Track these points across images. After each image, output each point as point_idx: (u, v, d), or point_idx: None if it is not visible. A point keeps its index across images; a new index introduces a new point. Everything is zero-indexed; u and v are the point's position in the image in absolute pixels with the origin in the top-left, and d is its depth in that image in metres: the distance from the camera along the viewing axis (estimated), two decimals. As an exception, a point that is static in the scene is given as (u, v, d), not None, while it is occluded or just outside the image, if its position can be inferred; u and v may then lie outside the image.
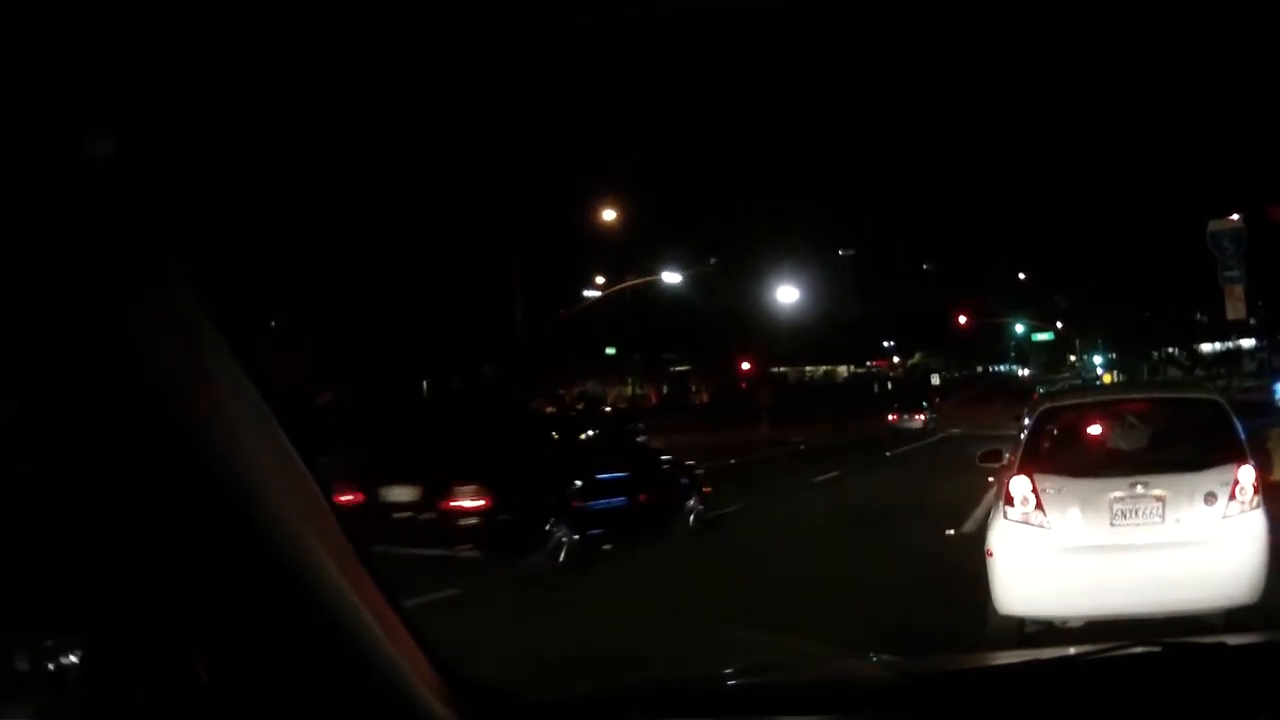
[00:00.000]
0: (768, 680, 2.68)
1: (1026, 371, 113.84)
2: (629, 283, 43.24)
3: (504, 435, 16.74)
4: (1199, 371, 59.52)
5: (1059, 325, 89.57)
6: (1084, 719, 2.22)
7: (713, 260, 76.37)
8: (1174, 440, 9.55)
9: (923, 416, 54.38)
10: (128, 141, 1.51)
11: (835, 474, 28.91)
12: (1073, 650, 2.66)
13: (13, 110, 1.39)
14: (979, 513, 15.72)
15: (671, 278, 68.37)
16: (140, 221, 1.56)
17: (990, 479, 14.11)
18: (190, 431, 1.56)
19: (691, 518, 17.27)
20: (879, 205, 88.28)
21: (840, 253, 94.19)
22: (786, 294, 76.01)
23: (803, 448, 39.14)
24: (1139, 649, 2.41)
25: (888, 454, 37.56)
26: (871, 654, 3.17)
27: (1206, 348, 66.40)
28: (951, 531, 15.82)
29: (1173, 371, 63.03)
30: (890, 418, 53.72)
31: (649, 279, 43.77)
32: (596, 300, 41.76)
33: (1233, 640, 2.55)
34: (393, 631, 1.85)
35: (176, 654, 1.62)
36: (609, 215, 41.10)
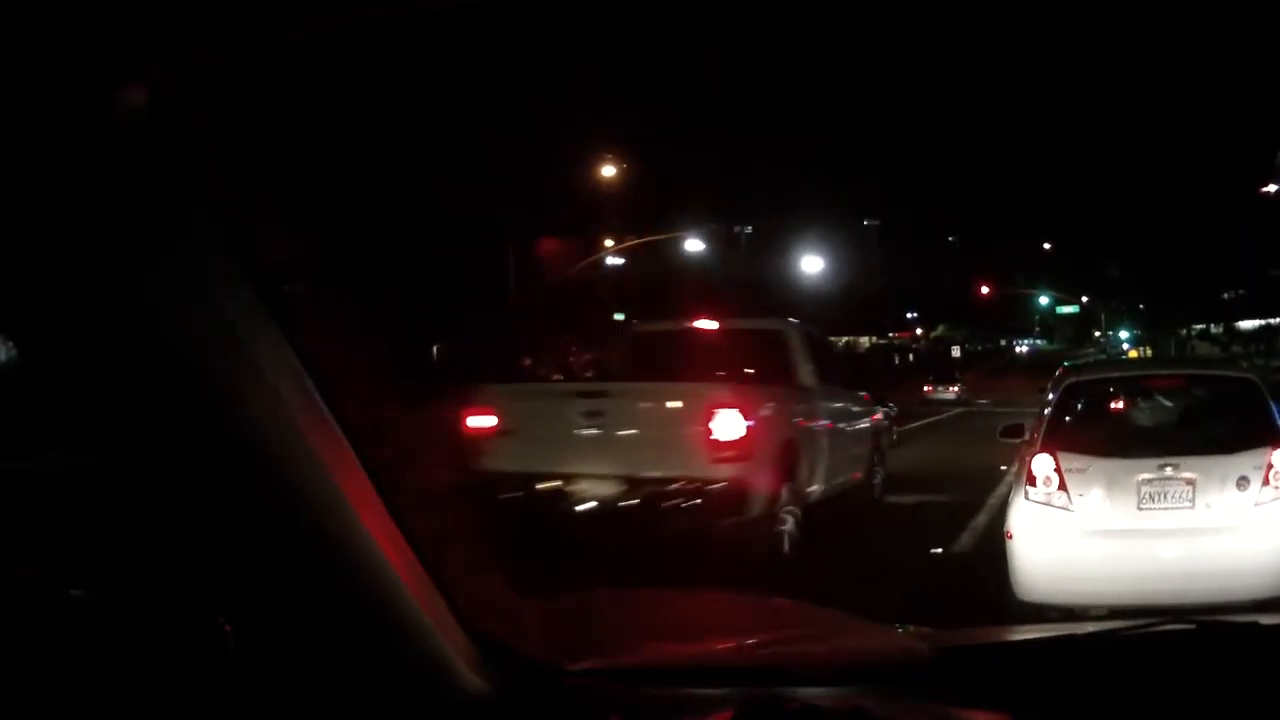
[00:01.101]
0: (795, 649, 2.65)
1: (1024, 348, 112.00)
2: (629, 242, 42.12)
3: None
4: (1236, 348, 57.96)
5: (1084, 300, 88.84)
6: (1116, 695, 2.18)
7: (748, 229, 76.12)
8: (1205, 420, 9.21)
9: (957, 388, 54.36)
10: (165, 95, 1.49)
11: None
12: (1106, 626, 2.64)
13: (48, 54, 1.36)
14: (981, 520, 13.05)
15: (694, 245, 68.32)
16: (172, 185, 1.53)
17: (1003, 468, 13.69)
18: (224, 392, 1.56)
19: (894, 437, 22.11)
20: (905, 176, 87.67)
21: (865, 223, 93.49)
22: (811, 264, 75.71)
23: None
24: (1172, 626, 2.39)
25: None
26: (898, 624, 3.16)
27: (1246, 324, 64.51)
28: (939, 550, 11.75)
29: (1203, 348, 61.36)
30: (925, 389, 53.24)
31: (642, 239, 42.55)
32: (593, 261, 40.57)
33: (1266, 620, 2.49)
34: (426, 596, 1.82)
35: (204, 620, 1.64)
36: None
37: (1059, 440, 8.70)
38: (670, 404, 11.10)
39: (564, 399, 11.59)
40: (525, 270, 40.35)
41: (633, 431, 10.99)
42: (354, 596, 1.72)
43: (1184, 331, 68.50)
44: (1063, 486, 8.36)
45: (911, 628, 3.01)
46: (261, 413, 1.59)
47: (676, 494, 10.52)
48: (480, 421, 11.16)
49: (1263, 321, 63.01)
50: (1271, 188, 48.21)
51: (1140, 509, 8.25)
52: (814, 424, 12.68)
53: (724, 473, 10.51)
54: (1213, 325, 67.48)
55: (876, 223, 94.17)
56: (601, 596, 3.40)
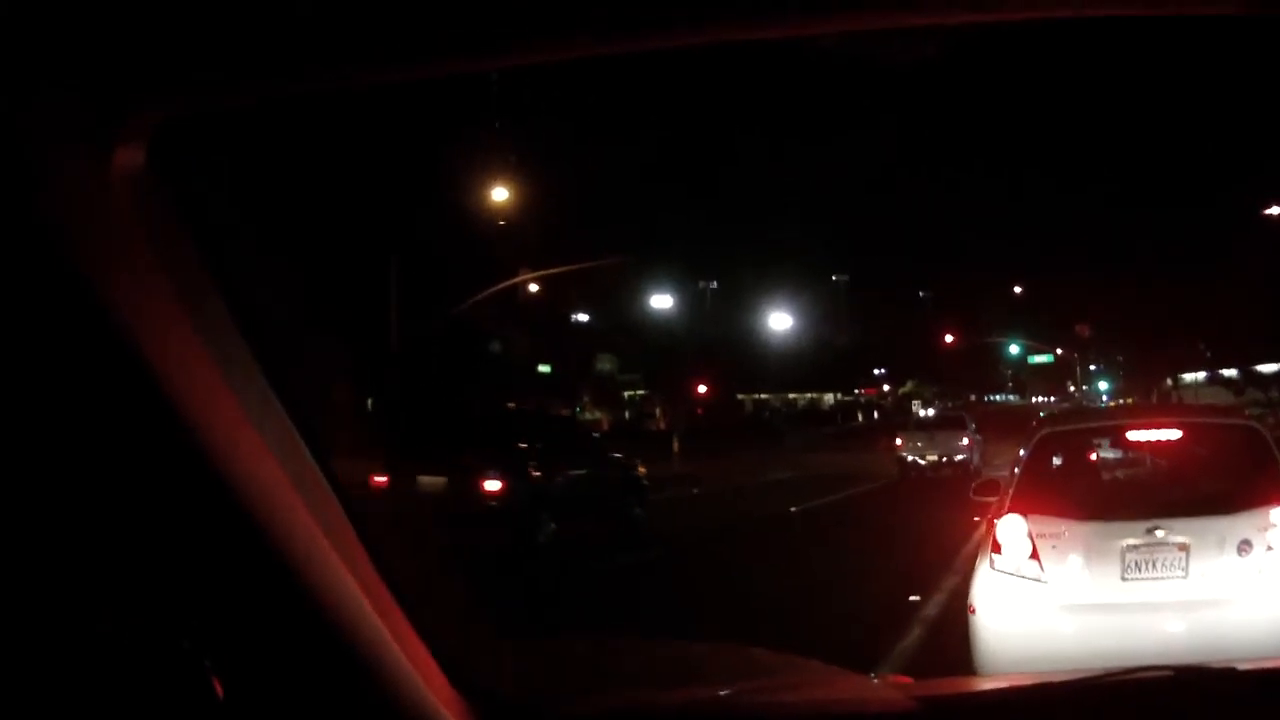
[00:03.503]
0: (772, 699, 2.68)
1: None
2: (524, 276, 40.18)
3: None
4: (1254, 393, 54.70)
5: (1058, 351, 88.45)
6: None
7: (714, 284, 75.77)
8: (1200, 475, 8.25)
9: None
10: (161, 146, 1.56)
11: (656, 555, 17.90)
12: (1084, 674, 2.51)
13: (39, 109, 1.44)
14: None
15: (661, 301, 68.00)
16: (170, 237, 1.60)
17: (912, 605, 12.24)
18: (210, 439, 1.58)
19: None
20: (875, 232, 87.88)
21: (834, 278, 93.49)
22: (779, 320, 75.49)
23: (696, 491, 30.24)
24: (1150, 673, 2.42)
25: (792, 509, 24.93)
26: (872, 674, 3.48)
27: (1267, 368, 59.87)
28: None
29: (1207, 394, 57.44)
30: (899, 442, 46.31)
31: (543, 272, 40.87)
32: (482, 299, 38.35)
33: (1243, 666, 2.50)
34: (407, 643, 1.84)
35: (192, 668, 1.64)
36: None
37: (1031, 500, 7.76)
38: (952, 434, 36.28)
39: (920, 434, 37.27)
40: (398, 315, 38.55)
41: (939, 441, 35.72)
42: (335, 643, 1.71)
43: (1169, 380, 66.45)
44: (1034, 554, 7.46)
45: (889, 677, 3.29)
46: (249, 460, 1.62)
47: (949, 460, 34.50)
48: (900, 440, 37.32)
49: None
50: (1276, 210, 46.50)
51: (1125, 579, 7.36)
52: (975, 438, 36.18)
53: (962, 454, 34.53)
54: (1224, 369, 64.20)
55: (845, 278, 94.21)
56: (582, 644, 3.52)
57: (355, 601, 1.74)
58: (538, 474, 17.80)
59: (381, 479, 17.06)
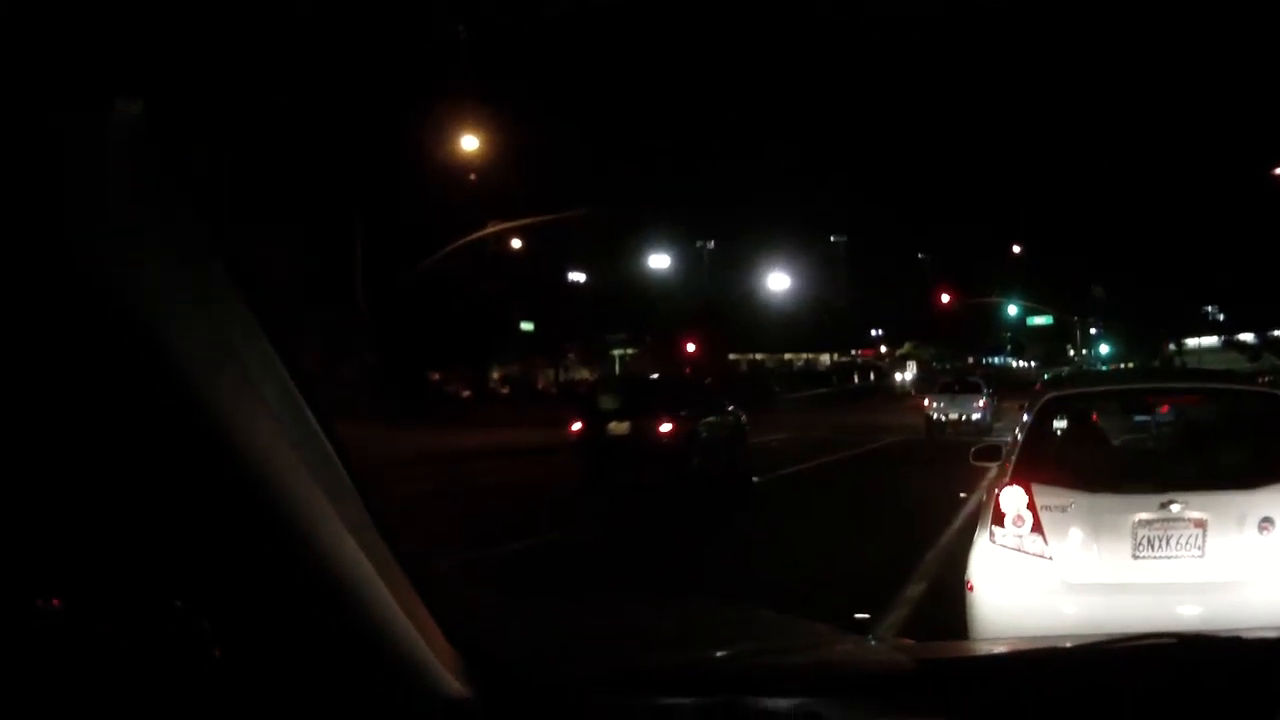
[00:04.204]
0: (775, 661, 2.68)
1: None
2: (491, 229, 38.49)
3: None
4: (1273, 359, 53.40)
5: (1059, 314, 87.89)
6: (1096, 708, 2.22)
7: (710, 244, 75.26)
8: (1219, 446, 7.62)
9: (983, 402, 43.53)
10: (156, 114, 1.56)
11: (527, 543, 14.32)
12: (1087, 640, 2.55)
13: (34, 80, 1.44)
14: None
15: (659, 261, 67.43)
16: (169, 196, 1.61)
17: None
18: (213, 409, 1.60)
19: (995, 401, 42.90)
20: (875, 193, 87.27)
21: (832, 239, 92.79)
22: (777, 281, 74.95)
23: None
24: (1153, 640, 2.44)
25: (757, 478, 23.86)
26: (870, 637, 3.59)
27: None
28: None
29: (1215, 360, 55.89)
30: (927, 402, 44.00)
31: (516, 224, 39.54)
32: (449, 252, 36.91)
33: (1248, 634, 2.51)
34: (409, 605, 1.86)
35: (191, 630, 1.64)
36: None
37: (1034, 470, 7.14)
38: (970, 397, 41.12)
39: (944, 395, 41.72)
40: (362, 269, 37.37)
41: (960, 402, 40.79)
42: (337, 602, 1.74)
43: (1171, 345, 65.78)
44: (1038, 528, 6.85)
45: (892, 640, 3.43)
46: (251, 422, 1.63)
47: (968, 419, 39.76)
48: (928, 401, 42.38)
49: None
50: None
51: (1136, 558, 6.76)
52: (990, 401, 40.99)
53: (978, 414, 39.87)
54: (1240, 334, 63.00)
55: (844, 239, 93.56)
56: (585, 603, 3.57)
57: (355, 562, 1.75)
58: (690, 422, 23.49)
59: (577, 426, 23.30)
